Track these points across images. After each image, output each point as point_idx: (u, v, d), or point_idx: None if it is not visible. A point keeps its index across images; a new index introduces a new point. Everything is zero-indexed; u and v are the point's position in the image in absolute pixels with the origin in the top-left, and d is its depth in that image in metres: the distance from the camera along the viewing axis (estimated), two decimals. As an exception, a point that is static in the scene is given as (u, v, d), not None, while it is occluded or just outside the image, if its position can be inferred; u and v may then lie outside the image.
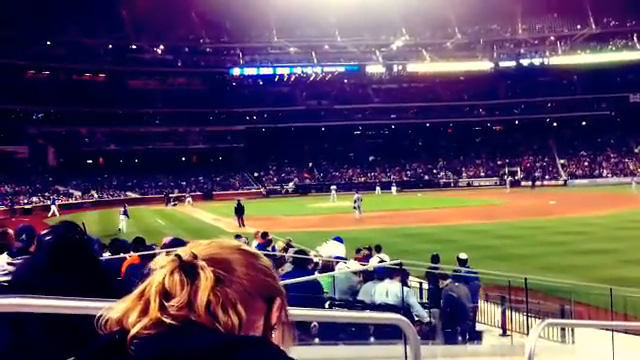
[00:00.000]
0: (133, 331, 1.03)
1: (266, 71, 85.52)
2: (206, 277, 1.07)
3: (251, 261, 1.16)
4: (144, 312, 1.05)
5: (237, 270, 1.11)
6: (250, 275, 1.12)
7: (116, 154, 74.77)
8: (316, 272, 10.18)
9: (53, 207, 48.63)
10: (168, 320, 1.03)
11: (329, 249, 14.62)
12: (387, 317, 5.17)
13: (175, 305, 1.04)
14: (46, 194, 60.25)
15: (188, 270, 1.08)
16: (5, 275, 4.65)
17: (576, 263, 19.24)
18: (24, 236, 5.24)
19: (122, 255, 8.89)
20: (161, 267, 1.10)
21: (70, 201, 59.42)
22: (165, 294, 1.06)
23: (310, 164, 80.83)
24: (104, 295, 2.24)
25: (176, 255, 1.10)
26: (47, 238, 3.44)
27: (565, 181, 74.43)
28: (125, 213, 35.85)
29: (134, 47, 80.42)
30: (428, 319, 9.69)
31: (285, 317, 1.20)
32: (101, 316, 1.09)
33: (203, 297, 1.05)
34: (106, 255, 9.61)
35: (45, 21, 67.66)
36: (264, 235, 16.16)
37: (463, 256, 13.23)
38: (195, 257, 1.10)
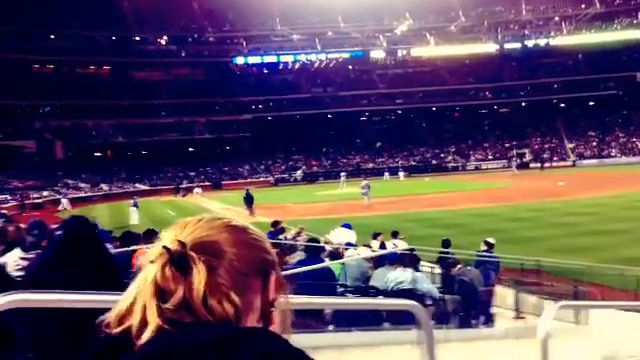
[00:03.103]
0: (140, 343, 1.01)
1: (270, 59, 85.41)
2: (199, 270, 1.04)
3: (241, 238, 1.12)
4: (143, 320, 1.03)
5: (227, 252, 1.08)
6: (241, 254, 1.09)
7: (123, 146, 74.84)
8: (326, 259, 10.17)
9: (64, 201, 48.72)
10: (166, 325, 1.01)
11: (339, 236, 14.62)
12: (400, 303, 5.16)
13: (172, 307, 1.02)
14: (55, 188, 60.49)
15: (179, 263, 1.05)
16: (19, 270, 4.66)
17: (587, 244, 19.16)
18: (36, 231, 5.26)
19: (133, 247, 8.89)
20: (151, 262, 1.07)
21: (80, 194, 59.57)
22: (160, 292, 1.04)
23: (324, 149, 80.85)
24: (115, 289, 2.23)
25: (164, 247, 1.06)
26: (57, 233, 3.44)
27: (574, 162, 74.12)
28: (135, 205, 35.95)
29: (137, 39, 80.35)
30: (437, 295, 9.68)
31: (282, 286, 1.16)
32: (103, 319, 1.08)
33: (199, 292, 1.02)
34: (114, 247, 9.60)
35: (48, 15, 67.55)
36: (275, 223, 16.17)
37: (491, 240, 13.29)
38: (183, 246, 1.06)
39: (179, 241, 1.07)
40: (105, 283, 2.69)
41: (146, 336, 1.01)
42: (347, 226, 15.54)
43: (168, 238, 1.09)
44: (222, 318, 1.03)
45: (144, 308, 1.04)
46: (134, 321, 1.04)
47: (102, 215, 35.61)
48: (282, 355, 1.02)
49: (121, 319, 1.06)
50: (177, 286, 1.03)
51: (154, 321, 1.02)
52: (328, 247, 11.70)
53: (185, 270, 1.04)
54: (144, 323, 1.03)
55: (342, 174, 60.38)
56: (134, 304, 1.06)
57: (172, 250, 1.06)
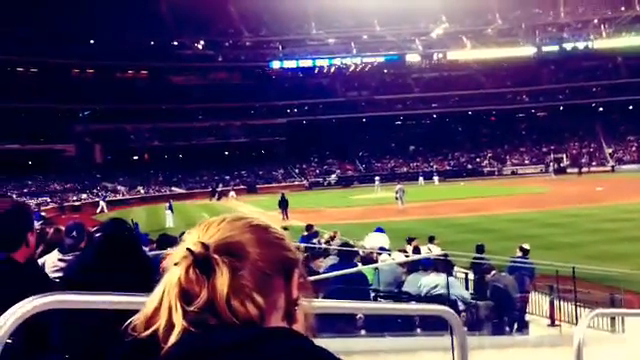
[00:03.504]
0: (167, 345, 1.02)
1: (305, 63, 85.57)
2: (222, 272, 1.04)
3: (263, 237, 1.12)
4: (169, 322, 1.03)
5: (251, 252, 1.08)
6: (264, 253, 1.09)
7: (160, 150, 75.64)
8: (359, 264, 10.18)
9: (102, 203, 49.49)
10: (192, 328, 1.01)
11: (372, 240, 14.62)
12: (433, 309, 5.16)
13: (196, 309, 1.02)
14: (94, 191, 61.51)
15: (203, 266, 1.05)
16: (57, 271, 4.78)
17: (625, 251, 18.81)
18: (75, 233, 5.35)
19: (168, 250, 8.99)
20: (175, 264, 1.08)
21: (117, 197, 60.43)
22: (184, 294, 1.04)
23: (360, 153, 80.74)
24: (151, 291, 2.28)
25: (188, 250, 1.07)
26: (97, 235, 3.52)
27: (612, 167, 72.79)
28: (170, 208, 36.37)
29: (175, 43, 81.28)
30: (470, 300, 9.64)
31: (305, 284, 1.18)
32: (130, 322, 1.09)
33: (222, 294, 1.02)
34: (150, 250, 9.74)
35: (87, 20, 68.64)
36: (309, 227, 16.24)
37: (526, 246, 13.26)
38: (207, 248, 1.06)
39: (202, 243, 1.07)
40: (143, 285, 2.75)
41: (173, 339, 1.01)
42: (380, 230, 15.55)
43: (191, 240, 1.10)
44: (246, 319, 1.02)
45: (170, 311, 1.04)
46: (161, 323, 1.04)
47: (139, 218, 35.91)
48: (306, 354, 1.02)
49: (148, 321, 1.06)
50: (201, 288, 1.03)
51: (180, 323, 1.02)
52: (361, 251, 11.71)
53: (209, 272, 1.04)
54: (170, 325, 1.03)
55: (376, 178, 60.28)
56: (160, 307, 1.06)
57: (195, 252, 1.06)
